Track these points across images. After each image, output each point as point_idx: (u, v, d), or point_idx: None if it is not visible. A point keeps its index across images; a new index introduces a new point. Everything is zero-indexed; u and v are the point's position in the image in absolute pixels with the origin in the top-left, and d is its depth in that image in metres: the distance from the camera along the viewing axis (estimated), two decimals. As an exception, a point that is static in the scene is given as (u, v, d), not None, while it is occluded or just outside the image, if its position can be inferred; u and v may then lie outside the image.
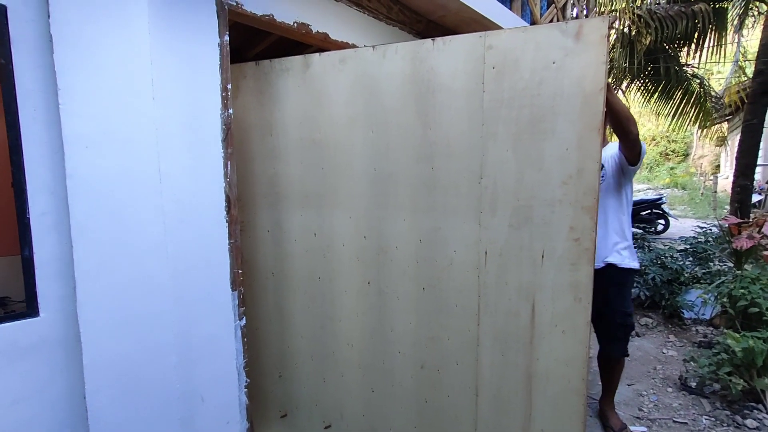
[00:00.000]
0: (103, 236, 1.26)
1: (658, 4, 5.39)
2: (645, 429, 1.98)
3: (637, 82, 5.75)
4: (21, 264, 1.22)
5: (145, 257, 1.34)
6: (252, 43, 2.56)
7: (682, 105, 5.66)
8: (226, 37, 1.52)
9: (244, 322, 1.67)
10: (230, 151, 1.57)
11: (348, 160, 1.64)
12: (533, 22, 3.68)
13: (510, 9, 3.31)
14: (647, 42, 4.88)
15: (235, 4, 1.54)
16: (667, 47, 5.27)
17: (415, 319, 1.61)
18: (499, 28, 2.54)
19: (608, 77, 1.32)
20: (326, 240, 1.71)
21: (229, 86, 1.55)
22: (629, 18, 4.90)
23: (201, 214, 1.52)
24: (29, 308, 1.23)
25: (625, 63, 5.14)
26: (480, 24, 2.58)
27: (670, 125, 6.08)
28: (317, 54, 1.63)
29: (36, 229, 1.21)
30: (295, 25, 1.74)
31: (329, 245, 1.71)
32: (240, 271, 1.64)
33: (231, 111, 1.57)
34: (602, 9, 5.46)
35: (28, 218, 1.19)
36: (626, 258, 1.83)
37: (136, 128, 1.29)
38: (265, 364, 1.91)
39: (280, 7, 1.68)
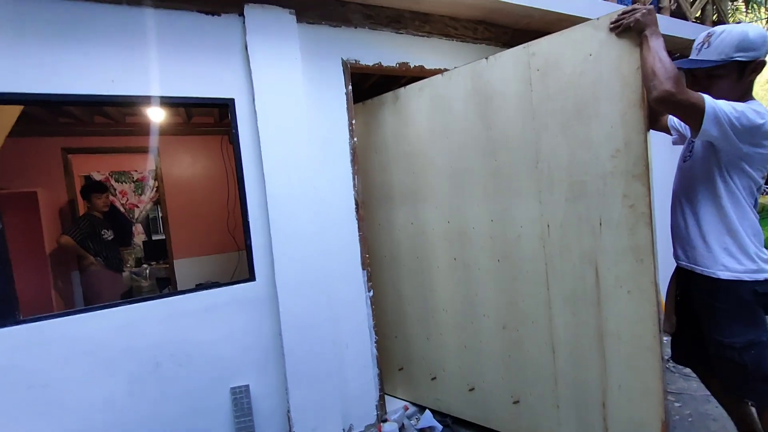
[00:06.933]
0: (285, 231, 1.97)
1: None
2: None
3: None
4: (245, 251, 2.05)
5: (307, 244, 2.01)
6: (363, 80, 3.21)
7: None
8: (350, 87, 2.17)
9: (371, 293, 2.26)
10: (356, 167, 2.22)
11: (431, 163, 2.11)
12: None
13: (603, -2, 3.14)
14: None
15: (354, 61, 2.19)
16: None
17: (494, 286, 1.92)
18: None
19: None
20: (420, 227, 2.20)
21: (354, 121, 2.21)
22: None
23: (340, 214, 2.17)
24: (250, 275, 2.00)
25: None
26: (569, 22, 2.51)
27: None
28: (402, 88, 2.18)
29: (252, 227, 1.98)
30: (397, 65, 2.27)
31: (423, 231, 2.19)
32: (367, 255, 2.25)
33: (355, 139, 2.22)
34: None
35: (248, 221, 2.00)
36: (722, 263, 1.35)
37: (299, 159, 1.99)
38: (385, 327, 2.49)
39: (385, 55, 2.25)
